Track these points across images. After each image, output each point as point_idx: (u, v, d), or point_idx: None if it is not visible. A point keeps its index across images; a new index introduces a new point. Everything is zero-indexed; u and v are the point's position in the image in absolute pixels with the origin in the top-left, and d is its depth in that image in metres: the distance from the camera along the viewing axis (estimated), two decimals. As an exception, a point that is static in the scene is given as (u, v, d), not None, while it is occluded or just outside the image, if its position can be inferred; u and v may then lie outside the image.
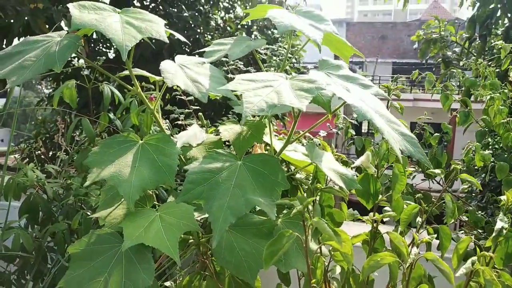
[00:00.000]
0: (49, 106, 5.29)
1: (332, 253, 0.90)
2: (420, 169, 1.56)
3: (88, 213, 1.50)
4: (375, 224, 0.98)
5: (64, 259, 1.50)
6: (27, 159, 3.43)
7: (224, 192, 0.74)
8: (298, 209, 0.68)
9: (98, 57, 4.50)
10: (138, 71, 1.01)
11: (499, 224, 0.87)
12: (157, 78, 1.06)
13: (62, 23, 3.83)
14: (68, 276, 0.72)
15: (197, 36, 5.15)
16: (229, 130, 0.98)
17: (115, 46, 5.55)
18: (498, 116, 1.59)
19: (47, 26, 3.78)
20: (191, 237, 0.94)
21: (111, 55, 5.62)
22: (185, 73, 0.90)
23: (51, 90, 5.74)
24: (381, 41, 22.80)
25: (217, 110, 4.46)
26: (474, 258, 0.80)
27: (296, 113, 0.91)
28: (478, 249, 0.85)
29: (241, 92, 0.73)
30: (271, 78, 0.79)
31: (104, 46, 5.55)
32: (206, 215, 0.86)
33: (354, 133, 1.72)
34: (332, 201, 1.03)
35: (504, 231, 0.86)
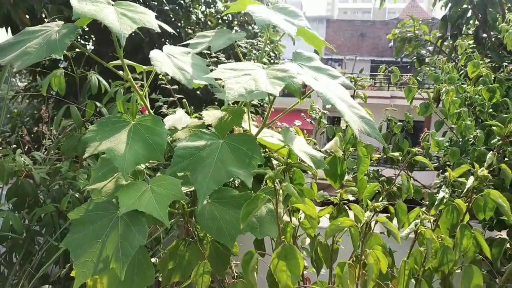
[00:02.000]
0: (25, 99, 5.26)
1: (300, 221, 1.02)
2: (385, 155, 1.71)
3: (76, 195, 1.58)
4: (339, 198, 1.10)
5: (52, 239, 1.57)
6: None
7: (208, 165, 0.85)
8: (271, 175, 0.80)
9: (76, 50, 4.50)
10: (127, 62, 1.11)
11: (440, 194, 1.01)
12: (144, 67, 1.15)
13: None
14: (68, 239, 0.82)
15: (178, 30, 5.20)
16: (211, 115, 1.08)
17: (94, 39, 5.45)
18: (452, 107, 1.75)
19: (27, 17, 3.77)
20: (176, 210, 1.04)
21: (90, 47, 5.61)
22: (172, 61, 1.00)
23: (26, 83, 5.70)
24: (360, 39, 23.14)
25: (197, 103, 4.55)
26: (417, 220, 0.94)
27: (271, 99, 1.03)
28: (421, 215, 0.99)
29: (224, 79, 0.84)
30: (249, 68, 0.91)
31: (83, 38, 5.53)
32: (191, 188, 0.98)
33: (326, 122, 1.85)
34: (303, 179, 1.16)
35: (445, 200, 1.01)
